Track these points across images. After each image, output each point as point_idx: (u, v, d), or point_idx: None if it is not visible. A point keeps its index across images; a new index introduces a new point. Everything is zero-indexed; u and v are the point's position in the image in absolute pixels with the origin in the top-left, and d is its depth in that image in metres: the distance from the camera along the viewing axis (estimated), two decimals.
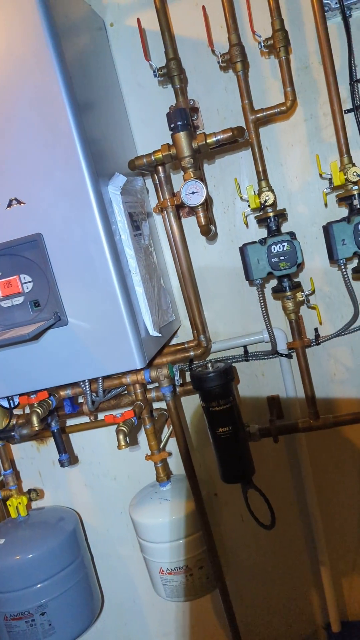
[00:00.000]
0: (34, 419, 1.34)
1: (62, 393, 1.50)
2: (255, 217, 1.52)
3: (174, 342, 1.74)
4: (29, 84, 1.15)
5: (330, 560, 1.78)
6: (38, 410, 1.36)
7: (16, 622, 1.61)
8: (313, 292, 1.59)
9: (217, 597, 1.70)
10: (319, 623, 1.90)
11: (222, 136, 1.30)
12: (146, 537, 1.61)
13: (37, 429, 1.35)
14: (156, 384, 1.54)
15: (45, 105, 1.15)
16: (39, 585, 1.62)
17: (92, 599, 1.79)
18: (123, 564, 1.98)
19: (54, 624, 1.63)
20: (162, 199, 1.49)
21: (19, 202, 1.20)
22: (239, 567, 1.90)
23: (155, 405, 1.78)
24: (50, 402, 1.42)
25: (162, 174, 1.47)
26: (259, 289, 1.51)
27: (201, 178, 1.33)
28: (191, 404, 1.79)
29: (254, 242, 1.46)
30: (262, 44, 1.43)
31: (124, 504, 1.89)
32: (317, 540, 1.76)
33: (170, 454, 1.72)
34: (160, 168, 1.46)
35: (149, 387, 1.60)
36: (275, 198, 1.47)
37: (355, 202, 1.41)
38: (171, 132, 1.32)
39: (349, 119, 1.49)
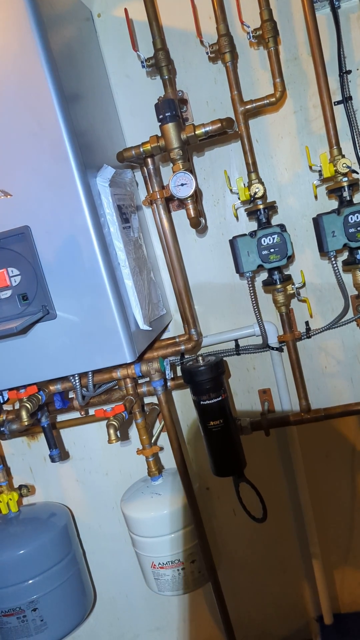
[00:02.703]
0: (23, 414, 1.33)
1: (51, 388, 1.49)
2: (245, 210, 1.51)
3: (165, 336, 1.73)
4: (15, 75, 1.13)
5: (322, 553, 1.78)
6: (27, 405, 1.35)
7: (7, 618, 1.60)
8: (304, 284, 1.59)
9: (209, 590, 1.70)
10: (311, 615, 1.91)
11: (211, 127, 1.29)
12: (138, 532, 1.61)
13: (26, 424, 1.34)
14: (147, 379, 1.54)
15: (31, 96, 1.14)
16: (30, 581, 1.61)
17: (84, 595, 1.79)
18: (115, 559, 1.97)
19: (46, 620, 1.63)
20: (151, 192, 1.48)
21: (5, 194, 1.19)
22: (231, 560, 1.90)
23: (147, 399, 1.77)
24: (39, 396, 1.41)
25: (151, 166, 1.46)
26: (250, 282, 1.51)
27: (190, 170, 1.32)
28: (183, 398, 1.79)
29: (244, 235, 1.45)
30: (251, 35, 1.42)
31: (116, 499, 1.88)
32: (308, 533, 1.76)
33: (161, 448, 1.72)
34: (149, 160, 1.45)
35: (140, 381, 1.59)
36: (265, 190, 1.46)
37: (345, 193, 1.40)
38: (160, 124, 1.31)
39: (339, 110, 1.49)
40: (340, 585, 1.86)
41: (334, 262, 1.44)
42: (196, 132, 1.30)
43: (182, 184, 1.30)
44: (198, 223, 1.41)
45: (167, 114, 1.28)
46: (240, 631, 1.83)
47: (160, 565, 1.59)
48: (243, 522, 1.75)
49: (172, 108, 1.28)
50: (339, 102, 1.49)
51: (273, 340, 1.64)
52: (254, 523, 1.59)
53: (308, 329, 1.63)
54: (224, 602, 1.68)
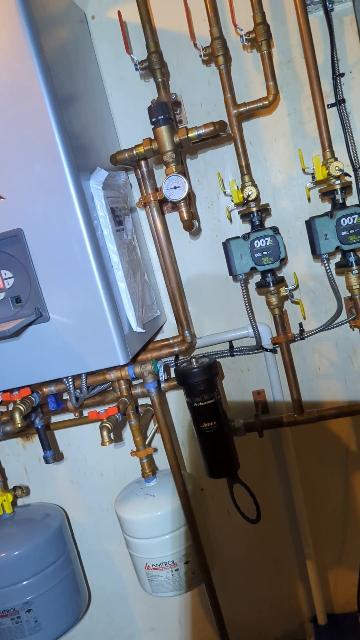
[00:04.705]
0: (17, 416, 1.33)
1: (45, 390, 1.49)
2: (239, 212, 1.52)
3: (159, 337, 1.73)
4: (7, 77, 1.14)
5: (316, 553, 1.79)
6: (20, 407, 1.35)
7: (1, 620, 1.61)
8: (297, 287, 1.59)
9: (203, 591, 1.71)
10: (305, 616, 1.92)
11: (203, 130, 1.30)
12: (131, 533, 1.61)
13: (19, 426, 1.34)
14: (141, 380, 1.54)
15: (24, 98, 1.14)
16: (24, 582, 1.61)
17: (78, 595, 1.79)
18: (110, 559, 1.98)
19: (40, 621, 1.63)
20: (145, 194, 1.48)
21: None
22: (225, 561, 1.91)
23: (141, 401, 1.77)
24: (33, 399, 1.40)
25: (144, 169, 1.46)
26: (243, 284, 1.51)
27: (183, 173, 1.33)
28: (177, 399, 1.79)
29: (237, 237, 1.46)
30: (244, 38, 1.42)
31: (110, 500, 1.89)
32: (302, 534, 1.77)
33: (156, 449, 1.72)
34: (142, 162, 1.45)
35: (134, 383, 1.59)
36: (258, 193, 1.46)
37: (338, 196, 1.41)
38: (153, 127, 1.31)
39: (332, 113, 1.49)
40: (334, 586, 1.87)
41: (326, 264, 1.45)
42: (189, 135, 1.30)
43: (174, 187, 1.31)
44: (191, 225, 1.41)
45: (160, 117, 1.28)
46: (235, 632, 1.83)
47: (154, 567, 1.59)
48: (237, 523, 1.76)
49: (165, 111, 1.28)
50: (332, 105, 1.49)
51: (267, 342, 1.64)
52: (248, 524, 1.59)
53: (301, 331, 1.63)
54: (217, 603, 1.69)
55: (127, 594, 2.01)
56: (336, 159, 1.41)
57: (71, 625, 1.74)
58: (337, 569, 1.85)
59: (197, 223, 1.62)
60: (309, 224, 1.42)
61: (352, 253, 1.43)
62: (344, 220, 1.38)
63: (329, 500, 1.79)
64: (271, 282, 1.50)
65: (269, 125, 1.55)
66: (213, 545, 1.88)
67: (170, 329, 1.73)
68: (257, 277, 1.60)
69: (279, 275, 1.57)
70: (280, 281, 1.52)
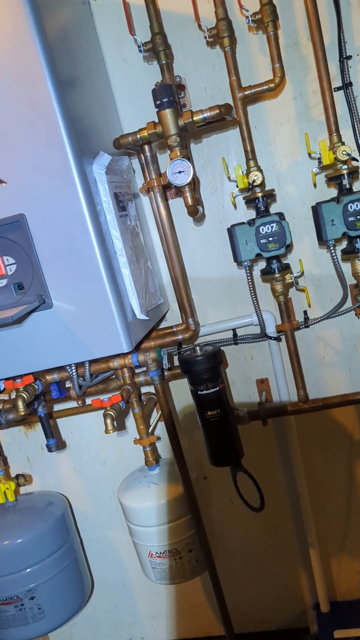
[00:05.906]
0: (20, 404, 1.32)
1: (48, 377, 1.48)
2: (244, 198, 1.49)
3: (163, 325, 1.72)
4: (9, 59, 1.11)
5: (319, 542, 1.79)
6: (23, 395, 1.34)
7: (5, 607, 1.61)
8: (302, 274, 1.57)
9: (206, 579, 1.71)
10: (308, 603, 1.92)
11: (209, 114, 1.27)
12: (135, 521, 1.61)
13: (22, 414, 1.34)
14: (144, 368, 1.53)
15: (26, 81, 1.12)
16: (28, 570, 1.62)
17: (81, 583, 1.79)
18: (113, 547, 1.98)
19: (44, 608, 1.64)
20: (148, 179, 1.46)
21: (0, 181, 1.17)
22: (228, 550, 1.91)
23: (145, 389, 1.76)
24: (36, 386, 1.40)
25: (148, 153, 1.44)
26: (248, 271, 1.49)
27: (188, 157, 1.31)
28: (180, 387, 1.78)
29: (242, 223, 1.44)
30: (250, 19, 1.39)
31: (113, 488, 1.89)
32: (305, 522, 1.77)
33: (159, 438, 1.71)
34: (146, 147, 1.43)
35: (137, 371, 1.58)
36: (263, 178, 1.44)
37: (345, 181, 1.38)
38: (157, 110, 1.29)
39: (339, 96, 1.47)
40: (337, 574, 1.87)
41: (332, 251, 1.43)
42: (194, 119, 1.28)
43: (179, 172, 1.29)
44: (196, 211, 1.39)
45: (164, 100, 1.26)
46: (237, 619, 1.84)
47: (157, 555, 1.60)
48: (240, 512, 1.76)
49: (169, 94, 1.26)
50: (339, 88, 1.47)
51: (271, 330, 1.63)
52: (252, 512, 1.59)
53: (306, 319, 1.61)
54: (221, 590, 1.69)
55: (130, 582, 2.02)
56: (343, 144, 1.39)
57: (74, 612, 1.75)
58: (339, 557, 1.86)
59: (201, 209, 1.60)
60: (316, 210, 1.40)
61: (358, 239, 1.41)
62: (350, 206, 1.36)
63: (332, 488, 1.79)
64: (276, 269, 1.48)
65: (274, 109, 1.53)
66: (216, 534, 1.88)
67: (173, 317, 1.72)
68: (262, 264, 1.58)
69: (284, 262, 1.55)
70: (286, 268, 1.50)
